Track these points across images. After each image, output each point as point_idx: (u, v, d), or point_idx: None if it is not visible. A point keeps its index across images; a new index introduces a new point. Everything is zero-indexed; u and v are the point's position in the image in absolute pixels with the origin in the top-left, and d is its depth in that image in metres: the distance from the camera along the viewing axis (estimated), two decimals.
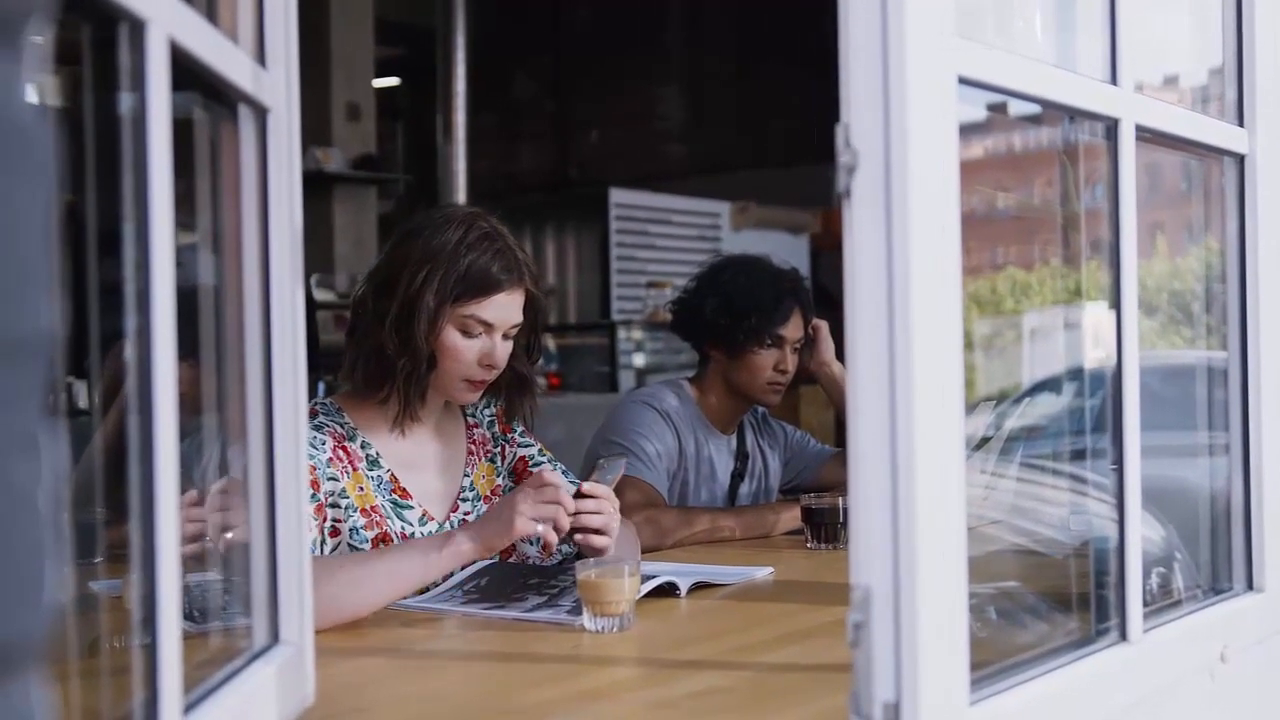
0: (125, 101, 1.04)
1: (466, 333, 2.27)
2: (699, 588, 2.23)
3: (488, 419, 2.51)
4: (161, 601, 1.02)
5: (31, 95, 0.63)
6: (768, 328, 3.05)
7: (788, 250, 7.31)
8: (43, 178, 0.62)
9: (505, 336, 2.32)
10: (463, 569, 2.20)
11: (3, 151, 0.59)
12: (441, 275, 2.23)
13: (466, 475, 2.42)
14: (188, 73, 1.14)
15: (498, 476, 2.47)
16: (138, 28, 1.02)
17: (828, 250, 8.45)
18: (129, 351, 1.02)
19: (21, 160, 0.60)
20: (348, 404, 2.34)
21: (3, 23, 0.60)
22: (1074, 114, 1.62)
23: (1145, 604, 1.59)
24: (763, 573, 2.41)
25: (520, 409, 2.48)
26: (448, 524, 2.34)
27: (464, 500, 2.40)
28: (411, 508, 2.31)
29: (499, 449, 2.50)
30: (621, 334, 7.78)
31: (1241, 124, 1.87)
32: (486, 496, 2.43)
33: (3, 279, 0.59)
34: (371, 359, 2.28)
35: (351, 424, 2.31)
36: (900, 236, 1.20)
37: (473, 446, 2.46)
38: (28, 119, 0.62)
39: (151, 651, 1.01)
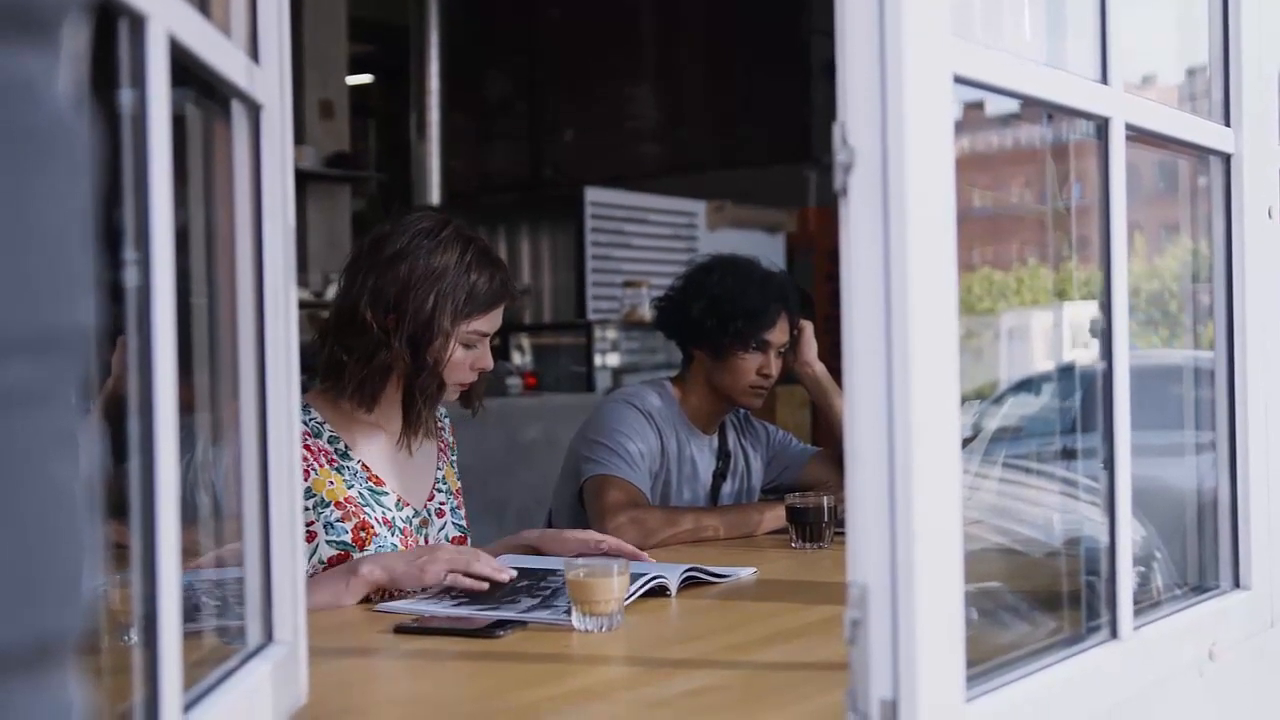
0: (124, 97, 1.03)
1: (467, 346, 2.37)
2: (689, 585, 2.24)
3: (445, 424, 2.61)
4: (162, 602, 1.01)
5: (69, 89, 0.62)
6: (754, 332, 3.04)
7: (763, 250, 7.30)
8: (82, 172, 0.62)
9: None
10: None
11: (43, 147, 0.59)
12: (453, 297, 2.31)
13: (439, 469, 2.51)
14: (182, 68, 1.13)
15: (457, 480, 2.58)
16: (138, 23, 1.01)
17: (803, 250, 8.46)
18: (130, 349, 1.01)
19: (61, 155, 0.60)
20: (317, 401, 2.39)
21: (41, 19, 0.60)
22: (1066, 113, 1.63)
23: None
24: (747, 572, 2.41)
25: (479, 390, 2.50)
26: (424, 510, 2.43)
27: (439, 491, 2.50)
28: (387, 493, 2.38)
29: (455, 458, 2.60)
30: (598, 333, 7.76)
31: (1228, 123, 1.88)
32: (456, 491, 2.54)
33: (42, 274, 0.59)
34: (377, 376, 2.32)
35: (319, 419, 2.36)
36: (898, 234, 1.20)
37: (441, 444, 2.55)
38: (67, 114, 0.61)
39: (152, 651, 1.01)
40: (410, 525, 2.39)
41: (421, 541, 2.41)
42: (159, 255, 1.02)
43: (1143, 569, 1.87)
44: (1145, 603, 1.76)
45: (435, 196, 9.10)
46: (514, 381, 6.84)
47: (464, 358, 2.36)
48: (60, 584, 0.59)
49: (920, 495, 1.20)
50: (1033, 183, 1.99)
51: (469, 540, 2.53)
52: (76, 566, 0.60)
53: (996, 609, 1.69)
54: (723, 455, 3.20)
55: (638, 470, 2.95)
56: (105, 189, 1.03)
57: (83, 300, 0.62)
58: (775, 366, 3.09)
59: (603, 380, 7.59)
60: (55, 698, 0.60)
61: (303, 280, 7.57)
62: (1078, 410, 1.91)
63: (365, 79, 10.83)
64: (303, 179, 7.79)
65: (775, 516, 2.89)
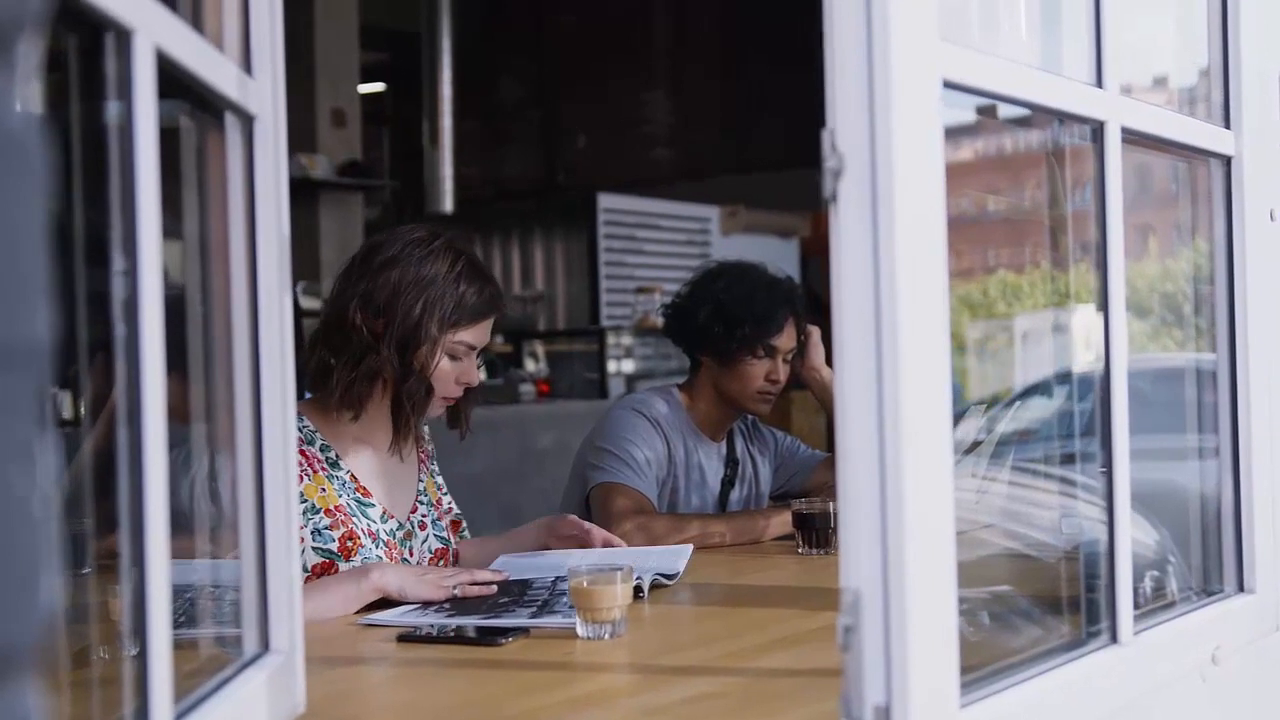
0: (111, 110, 1.04)
1: (453, 357, 2.39)
2: (656, 588, 2.28)
3: (425, 432, 2.63)
4: (152, 611, 1.02)
5: (25, 104, 0.63)
6: (761, 338, 3.04)
7: (777, 255, 7.32)
8: (37, 186, 0.63)
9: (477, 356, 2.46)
10: None
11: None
12: (440, 305, 2.34)
13: (420, 480, 2.54)
14: (173, 81, 1.14)
15: (438, 490, 2.60)
16: (124, 37, 1.02)
17: (817, 254, 8.45)
18: (118, 361, 1.02)
19: (16, 169, 0.61)
20: (309, 409, 2.41)
21: None
22: (1060, 116, 1.62)
23: (1138, 607, 1.60)
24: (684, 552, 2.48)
25: (468, 411, 2.52)
26: (408, 523, 2.46)
27: (421, 503, 2.52)
28: (373, 505, 2.40)
29: (434, 465, 2.62)
30: (611, 340, 7.76)
31: (1228, 126, 1.87)
32: (436, 502, 2.56)
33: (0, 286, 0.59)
34: (364, 380, 2.34)
35: (311, 427, 2.39)
36: (886, 240, 1.20)
37: (423, 456, 2.57)
38: (22, 128, 0.62)
39: (142, 661, 1.01)
40: (394, 538, 2.41)
41: (405, 554, 2.43)
42: (147, 268, 1.03)
43: (1157, 573, 1.86)
44: (1157, 607, 1.75)
45: (448, 204, 9.11)
46: (527, 388, 6.85)
47: (450, 370, 2.38)
48: (17, 596, 0.60)
49: (912, 500, 1.20)
50: (1045, 185, 1.98)
51: (450, 551, 2.54)
52: (33, 578, 0.61)
53: (1003, 612, 1.69)
54: (731, 462, 3.20)
55: (644, 477, 2.95)
56: (94, 201, 1.04)
57: (40, 312, 0.63)
58: (783, 372, 3.09)
59: (616, 387, 7.59)
60: (14, 709, 0.60)
61: (315, 290, 7.57)
62: (1088, 414, 1.90)
63: (377, 87, 10.84)
64: (315, 188, 7.80)
65: (782, 522, 2.89)
